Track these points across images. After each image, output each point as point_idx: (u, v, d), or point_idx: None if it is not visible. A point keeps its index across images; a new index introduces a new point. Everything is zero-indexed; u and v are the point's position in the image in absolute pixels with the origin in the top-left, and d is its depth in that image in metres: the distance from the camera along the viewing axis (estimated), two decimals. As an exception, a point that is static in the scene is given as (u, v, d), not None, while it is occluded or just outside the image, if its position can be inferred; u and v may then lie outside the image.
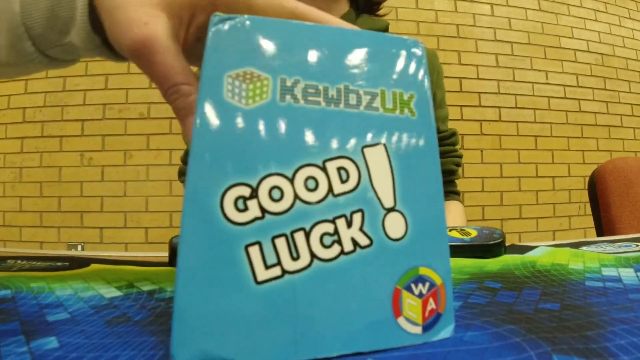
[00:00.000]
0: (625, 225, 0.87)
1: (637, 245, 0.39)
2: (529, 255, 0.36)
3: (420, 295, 0.17)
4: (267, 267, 0.15)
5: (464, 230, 0.39)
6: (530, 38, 1.92)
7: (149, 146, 1.68)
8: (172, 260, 0.33)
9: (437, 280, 0.17)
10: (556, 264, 0.31)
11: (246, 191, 0.15)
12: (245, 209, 0.15)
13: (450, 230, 0.38)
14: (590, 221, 0.97)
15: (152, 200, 1.67)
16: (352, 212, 0.16)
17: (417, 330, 0.16)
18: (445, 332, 0.17)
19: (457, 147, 0.75)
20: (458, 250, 0.35)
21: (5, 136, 1.70)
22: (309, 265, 0.15)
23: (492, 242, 0.36)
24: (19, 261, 0.34)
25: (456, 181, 0.76)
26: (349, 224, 0.16)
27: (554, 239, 1.84)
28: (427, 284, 0.17)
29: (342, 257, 0.16)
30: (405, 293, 0.16)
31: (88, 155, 1.68)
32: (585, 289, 0.24)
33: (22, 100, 1.70)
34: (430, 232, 0.17)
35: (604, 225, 0.90)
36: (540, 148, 1.90)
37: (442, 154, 0.72)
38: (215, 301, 0.14)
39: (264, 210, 0.15)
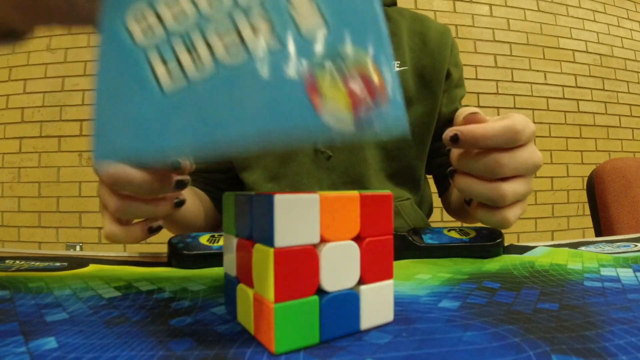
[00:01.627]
0: (624, 226, 0.87)
1: (636, 246, 0.39)
2: (528, 255, 0.36)
3: (345, 79, 0.15)
4: (171, 77, 0.16)
5: (463, 230, 0.39)
6: (528, 38, 1.92)
7: (148, 146, 1.68)
8: (171, 261, 0.33)
9: (366, 59, 0.15)
10: (555, 264, 0.32)
11: (147, 9, 0.16)
12: (146, 24, 0.16)
13: (449, 231, 0.38)
14: (588, 221, 0.97)
15: (151, 200, 1.66)
16: (257, 13, 0.15)
17: (346, 116, 0.14)
18: (393, 117, 0.15)
19: None
20: (457, 250, 0.35)
21: (3, 136, 1.70)
22: (213, 71, 0.15)
23: (490, 242, 0.36)
24: (17, 261, 0.34)
25: None
26: (255, 30, 0.15)
27: (552, 239, 1.84)
28: (355, 65, 0.15)
29: (248, 59, 0.15)
30: (322, 76, 0.15)
31: (87, 155, 1.68)
32: (583, 289, 0.24)
33: (20, 100, 1.70)
34: (354, 13, 0.15)
35: (602, 225, 0.91)
36: (538, 148, 1.89)
37: None
38: (126, 110, 0.16)
39: (163, 24, 0.16)
